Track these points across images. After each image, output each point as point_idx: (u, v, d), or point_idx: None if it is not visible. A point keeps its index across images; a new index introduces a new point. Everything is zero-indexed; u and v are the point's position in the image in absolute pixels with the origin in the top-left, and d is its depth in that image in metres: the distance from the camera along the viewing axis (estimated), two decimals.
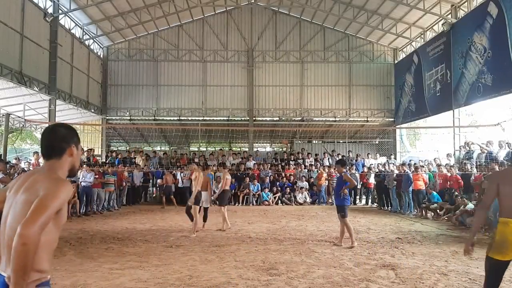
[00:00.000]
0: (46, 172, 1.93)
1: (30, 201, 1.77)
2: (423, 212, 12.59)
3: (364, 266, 5.94)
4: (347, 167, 16.36)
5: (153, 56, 21.62)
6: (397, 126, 21.40)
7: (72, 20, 17.70)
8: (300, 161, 18.02)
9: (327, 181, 16.21)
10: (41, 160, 13.51)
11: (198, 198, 8.88)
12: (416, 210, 12.95)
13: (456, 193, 11.27)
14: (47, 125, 16.34)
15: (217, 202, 10.20)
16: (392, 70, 21.77)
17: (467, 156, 13.20)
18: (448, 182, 12.26)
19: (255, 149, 21.74)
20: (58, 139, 1.99)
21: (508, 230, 3.13)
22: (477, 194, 10.42)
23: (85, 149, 16.80)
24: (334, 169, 16.57)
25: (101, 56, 21.21)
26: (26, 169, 12.57)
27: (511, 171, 3.52)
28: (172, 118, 21.62)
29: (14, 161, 13.16)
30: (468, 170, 11.74)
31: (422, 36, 18.67)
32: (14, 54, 13.07)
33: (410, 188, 12.86)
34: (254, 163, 17.43)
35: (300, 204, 15.76)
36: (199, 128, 20.63)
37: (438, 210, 11.80)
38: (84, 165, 12.93)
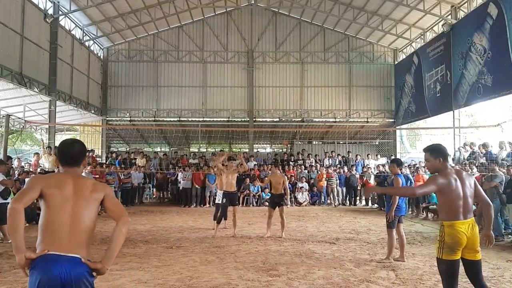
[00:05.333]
0: (82, 177, 2.54)
1: (96, 198, 2.43)
2: (420, 212, 12.60)
3: (364, 267, 5.93)
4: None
5: (153, 57, 21.64)
6: (397, 127, 21.41)
7: (72, 21, 17.72)
8: (300, 162, 18.01)
9: (325, 182, 16.19)
10: (41, 161, 13.62)
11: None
12: (411, 211, 13.01)
13: None
14: (47, 126, 16.46)
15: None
16: (392, 71, 21.77)
17: (473, 157, 13.09)
18: None
19: (255, 150, 21.74)
20: (80, 151, 2.59)
21: (455, 232, 3.33)
22: None
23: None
24: (333, 169, 16.72)
25: (101, 57, 21.23)
26: (26, 169, 12.59)
27: (454, 171, 3.54)
28: (172, 119, 21.62)
29: (16, 162, 13.18)
30: (472, 171, 11.70)
31: (422, 37, 18.68)
32: (14, 55, 13.08)
33: None
34: (255, 164, 17.43)
35: (300, 204, 15.76)
36: (199, 129, 20.69)
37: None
38: (88, 167, 12.96)
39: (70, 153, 2.53)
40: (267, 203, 12.50)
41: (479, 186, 3.56)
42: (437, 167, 3.52)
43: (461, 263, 3.42)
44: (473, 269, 3.42)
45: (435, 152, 3.55)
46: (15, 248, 2.24)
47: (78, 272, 2.22)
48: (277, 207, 8.60)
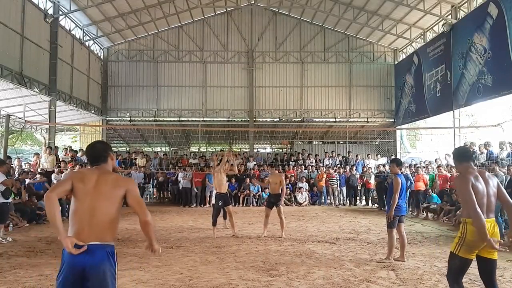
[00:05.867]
0: (108, 172, 2.81)
1: (117, 194, 2.68)
2: (420, 213, 12.61)
3: (364, 266, 5.93)
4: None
5: (153, 57, 21.64)
6: (397, 127, 21.41)
7: (72, 21, 17.72)
8: (300, 161, 18.01)
9: (325, 182, 16.17)
10: (43, 160, 13.59)
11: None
12: (411, 211, 12.97)
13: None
14: (47, 126, 16.45)
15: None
16: (392, 71, 21.77)
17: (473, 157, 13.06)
18: (448, 183, 12.26)
19: (255, 150, 21.74)
20: (101, 149, 2.92)
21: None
22: None
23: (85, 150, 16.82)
24: (334, 169, 16.70)
25: (101, 57, 21.23)
26: (26, 170, 12.59)
27: (476, 171, 3.56)
28: (172, 119, 21.63)
29: (16, 162, 13.18)
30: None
31: (422, 36, 18.68)
32: (15, 55, 13.08)
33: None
34: (255, 164, 17.42)
35: (300, 204, 15.74)
36: (199, 129, 20.71)
37: (438, 213, 11.80)
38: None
39: (92, 153, 2.90)
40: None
41: (502, 188, 3.57)
42: (458, 169, 3.77)
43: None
44: (488, 268, 3.42)
45: (453, 155, 3.86)
46: (59, 233, 2.52)
47: (98, 257, 2.55)
48: (274, 207, 8.56)
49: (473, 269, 5.71)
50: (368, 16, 18.80)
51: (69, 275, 2.51)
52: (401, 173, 6.66)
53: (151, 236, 2.77)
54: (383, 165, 15.23)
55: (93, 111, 19.68)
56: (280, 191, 8.55)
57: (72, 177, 2.69)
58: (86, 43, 19.06)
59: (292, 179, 16.46)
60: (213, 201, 9.46)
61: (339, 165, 17.48)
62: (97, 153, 2.88)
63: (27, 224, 9.81)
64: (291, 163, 17.62)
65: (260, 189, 15.91)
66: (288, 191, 15.94)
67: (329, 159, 18.21)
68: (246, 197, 15.84)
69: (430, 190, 12.74)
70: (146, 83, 21.52)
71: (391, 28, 19.27)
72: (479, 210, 3.30)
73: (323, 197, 16.26)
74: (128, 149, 22.30)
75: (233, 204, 15.09)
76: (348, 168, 16.95)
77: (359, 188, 16.75)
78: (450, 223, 10.74)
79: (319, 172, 16.60)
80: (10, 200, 8.23)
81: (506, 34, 12.00)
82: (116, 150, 22.15)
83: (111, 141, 23.51)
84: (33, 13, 14.33)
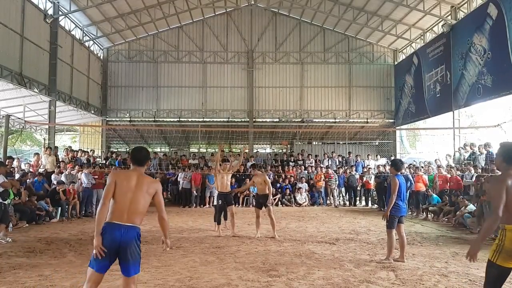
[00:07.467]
0: (144, 175, 3.58)
1: (150, 193, 3.49)
2: (420, 213, 12.61)
3: (364, 267, 5.93)
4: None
5: (153, 58, 21.65)
6: (397, 127, 21.42)
7: (72, 22, 17.73)
8: (300, 162, 17.99)
9: (324, 182, 16.15)
10: (43, 160, 13.56)
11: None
12: (411, 212, 12.97)
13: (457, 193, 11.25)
14: (47, 126, 16.44)
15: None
16: (392, 71, 21.78)
17: (472, 157, 13.04)
18: (448, 183, 12.25)
19: (255, 150, 21.74)
20: (146, 155, 3.68)
21: None
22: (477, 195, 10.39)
23: (85, 150, 16.85)
24: (335, 171, 16.69)
25: (101, 57, 21.24)
26: (26, 170, 12.58)
27: None
28: (172, 119, 21.63)
29: (16, 163, 13.16)
30: (471, 171, 11.68)
31: (422, 37, 18.69)
32: (14, 55, 13.09)
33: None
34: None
35: (300, 205, 15.73)
36: (199, 129, 20.72)
37: (437, 213, 11.80)
38: (89, 168, 12.91)
39: (139, 157, 3.62)
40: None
41: None
42: (497, 166, 3.54)
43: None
44: None
45: (498, 150, 3.54)
46: (96, 232, 3.33)
47: (130, 235, 3.36)
48: (264, 208, 8.60)
49: (472, 270, 5.73)
50: (368, 16, 18.82)
51: (108, 245, 3.28)
52: (401, 174, 6.66)
53: (165, 231, 3.64)
54: (383, 166, 15.22)
55: (92, 112, 19.68)
56: (268, 191, 8.60)
57: (116, 178, 3.45)
58: (86, 44, 19.07)
59: (292, 179, 16.45)
60: (215, 202, 9.56)
61: (339, 166, 17.46)
62: (143, 157, 3.61)
63: (27, 225, 9.80)
64: (291, 163, 17.61)
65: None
66: (288, 191, 15.97)
67: (328, 160, 18.20)
68: (245, 198, 15.83)
69: (430, 191, 12.74)
70: (146, 83, 21.53)
71: (391, 28, 19.29)
72: (499, 213, 3.14)
73: (321, 198, 16.22)
74: (127, 149, 22.31)
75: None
76: (347, 168, 16.91)
77: (358, 188, 16.74)
78: (449, 224, 10.74)
79: (318, 172, 16.58)
80: (8, 201, 8.19)
81: (506, 34, 12.00)
82: (116, 150, 22.15)
83: (111, 141, 23.54)
84: (33, 14, 14.34)
